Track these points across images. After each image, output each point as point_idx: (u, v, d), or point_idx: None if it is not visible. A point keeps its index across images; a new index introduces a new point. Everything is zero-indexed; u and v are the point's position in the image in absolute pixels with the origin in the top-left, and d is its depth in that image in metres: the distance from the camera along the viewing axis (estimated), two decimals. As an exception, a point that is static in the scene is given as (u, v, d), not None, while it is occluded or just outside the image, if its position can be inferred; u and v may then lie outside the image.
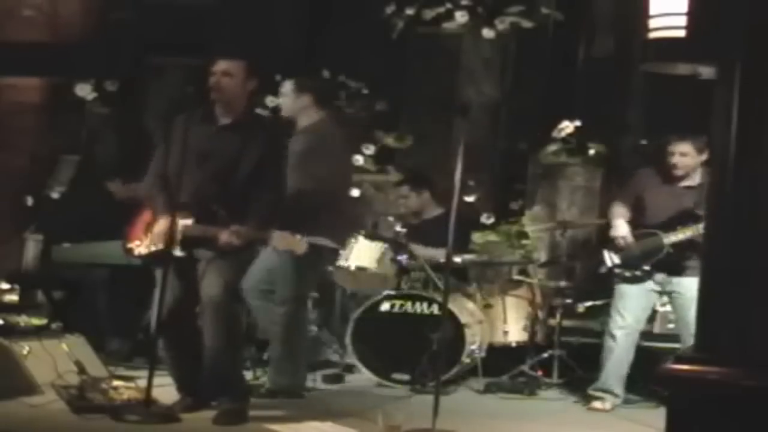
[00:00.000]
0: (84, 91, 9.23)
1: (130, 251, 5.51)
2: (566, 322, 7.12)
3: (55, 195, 8.70)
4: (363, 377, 6.81)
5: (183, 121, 5.41)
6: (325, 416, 5.46)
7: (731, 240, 3.60)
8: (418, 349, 6.58)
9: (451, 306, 6.50)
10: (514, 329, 7.19)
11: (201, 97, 5.50)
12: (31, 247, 8.21)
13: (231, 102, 5.47)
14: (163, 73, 9.45)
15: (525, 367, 6.93)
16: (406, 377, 6.70)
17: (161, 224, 5.33)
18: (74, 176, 8.67)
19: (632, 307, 6.25)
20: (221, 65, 5.46)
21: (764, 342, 3.52)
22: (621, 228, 6.32)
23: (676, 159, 6.21)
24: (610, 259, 6.36)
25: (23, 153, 9.45)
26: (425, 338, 6.57)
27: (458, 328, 6.66)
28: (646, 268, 6.23)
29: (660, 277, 6.25)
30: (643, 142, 6.31)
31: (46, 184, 8.94)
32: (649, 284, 6.27)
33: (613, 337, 6.24)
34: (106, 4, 9.51)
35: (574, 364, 6.85)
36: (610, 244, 6.36)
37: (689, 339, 6.11)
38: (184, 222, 5.25)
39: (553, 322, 7.10)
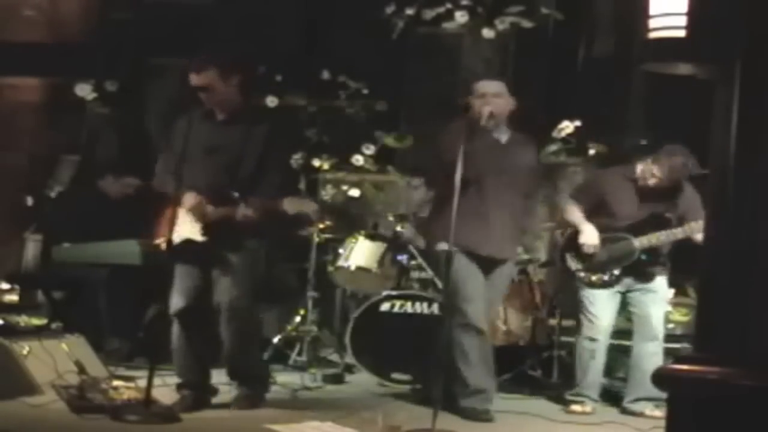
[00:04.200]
0: (84, 91, 9.23)
1: (156, 247, 5.65)
2: (566, 322, 7.12)
3: (53, 195, 8.70)
4: (363, 377, 6.81)
5: (185, 120, 5.59)
6: (325, 416, 5.46)
7: (731, 240, 3.60)
8: (418, 349, 6.58)
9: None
10: (514, 329, 7.19)
11: (196, 98, 5.60)
12: (31, 247, 8.21)
13: (223, 103, 5.65)
14: (163, 73, 9.45)
15: (525, 367, 6.93)
16: (406, 377, 6.70)
17: (187, 201, 5.52)
18: (74, 176, 8.67)
19: (602, 311, 6.23)
20: (196, 80, 5.58)
21: (764, 342, 3.52)
22: (591, 235, 6.22)
23: (647, 177, 6.21)
24: (573, 263, 6.29)
25: (23, 153, 9.45)
26: (425, 338, 6.57)
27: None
28: (616, 272, 6.21)
29: (627, 281, 6.25)
30: (643, 142, 6.33)
31: (46, 184, 8.94)
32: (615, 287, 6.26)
33: (587, 342, 6.23)
34: (106, 4, 9.51)
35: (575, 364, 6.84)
36: (575, 248, 6.27)
37: (649, 334, 6.19)
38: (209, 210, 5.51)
39: (553, 322, 7.10)
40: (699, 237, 5.95)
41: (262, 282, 5.80)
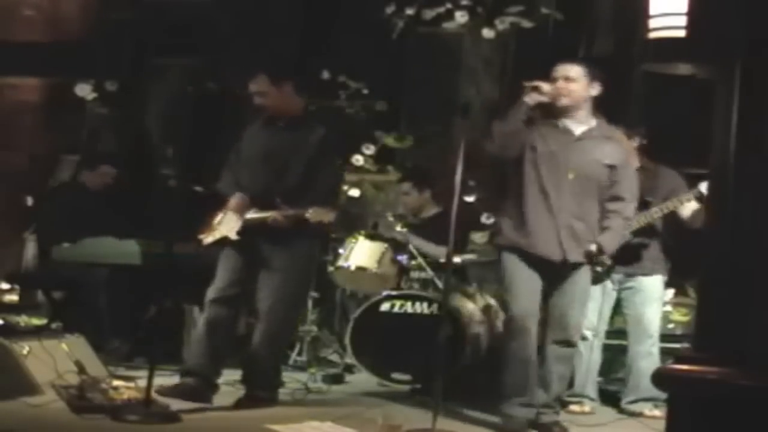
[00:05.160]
0: (84, 91, 9.24)
1: (200, 242, 5.89)
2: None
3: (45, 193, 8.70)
4: (363, 377, 6.81)
5: (251, 126, 5.97)
6: (325, 416, 5.46)
7: (731, 240, 3.60)
8: (418, 349, 6.58)
9: (452, 306, 6.50)
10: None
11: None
12: (31, 247, 8.21)
13: (279, 109, 5.87)
14: (163, 73, 9.45)
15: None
16: (406, 377, 6.70)
17: (232, 202, 5.79)
18: (74, 176, 8.67)
19: (596, 308, 6.21)
20: (251, 86, 5.85)
21: (764, 342, 3.52)
22: None
23: None
24: None
25: (23, 153, 9.45)
26: (425, 338, 6.57)
27: (458, 328, 6.66)
28: (608, 262, 6.19)
29: (618, 276, 6.23)
30: (643, 141, 6.36)
31: (46, 185, 8.94)
32: (608, 284, 6.22)
33: (582, 338, 6.22)
34: (106, 4, 9.51)
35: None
36: None
37: (643, 334, 6.19)
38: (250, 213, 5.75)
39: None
40: (685, 211, 6.01)
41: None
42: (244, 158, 5.91)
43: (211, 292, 5.80)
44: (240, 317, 6.15)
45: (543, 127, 5.48)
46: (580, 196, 5.42)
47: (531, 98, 5.39)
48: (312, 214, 5.59)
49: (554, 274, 5.49)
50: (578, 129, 5.49)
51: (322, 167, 5.79)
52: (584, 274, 5.53)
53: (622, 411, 6.21)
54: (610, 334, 6.48)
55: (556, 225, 5.41)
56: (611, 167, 5.48)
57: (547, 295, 5.57)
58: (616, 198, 5.51)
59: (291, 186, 5.72)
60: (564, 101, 5.45)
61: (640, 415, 6.06)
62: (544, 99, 5.41)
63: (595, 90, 5.52)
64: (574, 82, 5.46)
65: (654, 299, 6.26)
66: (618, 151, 5.55)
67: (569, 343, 5.54)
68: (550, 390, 5.54)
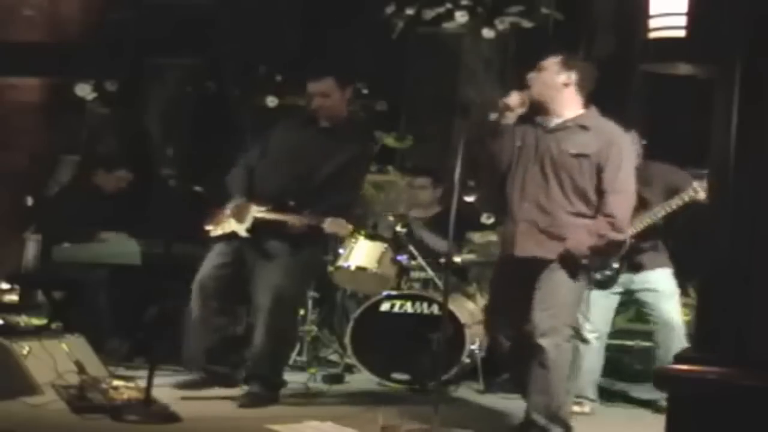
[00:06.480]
0: (84, 91, 9.24)
1: (207, 233, 5.93)
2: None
3: (53, 194, 8.70)
4: (363, 377, 6.81)
5: (286, 122, 6.02)
6: (325, 416, 5.46)
7: (731, 240, 3.61)
8: (418, 349, 6.58)
9: (451, 306, 6.50)
10: (514, 329, 7.18)
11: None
12: (31, 247, 8.21)
13: (332, 113, 5.90)
14: (163, 73, 9.46)
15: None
16: (406, 377, 6.70)
17: (237, 206, 5.81)
18: (74, 176, 8.68)
19: (598, 311, 6.18)
20: (317, 87, 5.88)
21: (764, 342, 3.53)
22: None
23: None
24: None
25: (23, 153, 9.46)
26: (425, 338, 6.58)
27: (458, 328, 6.66)
28: (615, 265, 6.17)
29: (623, 277, 6.22)
30: (643, 142, 6.36)
31: (46, 184, 8.94)
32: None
33: (583, 341, 6.20)
34: (106, 4, 9.52)
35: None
36: None
37: (669, 333, 6.13)
38: (258, 209, 5.73)
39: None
40: (700, 196, 5.90)
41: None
42: (272, 156, 5.88)
43: (195, 285, 5.81)
44: (237, 316, 6.10)
45: (524, 125, 5.22)
46: (545, 189, 5.06)
47: (506, 118, 5.18)
48: (329, 225, 5.61)
49: (529, 271, 5.07)
50: (553, 121, 5.17)
51: (347, 179, 5.82)
52: (552, 271, 5.03)
53: (657, 410, 6.03)
54: (612, 334, 6.47)
55: (518, 218, 5.10)
56: (582, 156, 5.05)
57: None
58: (600, 192, 5.06)
59: (311, 189, 5.72)
60: (532, 94, 5.18)
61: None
62: (518, 111, 5.15)
63: (565, 77, 5.16)
64: (537, 78, 5.18)
65: (667, 293, 6.19)
66: (594, 140, 5.09)
67: (529, 345, 4.98)
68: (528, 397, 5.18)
